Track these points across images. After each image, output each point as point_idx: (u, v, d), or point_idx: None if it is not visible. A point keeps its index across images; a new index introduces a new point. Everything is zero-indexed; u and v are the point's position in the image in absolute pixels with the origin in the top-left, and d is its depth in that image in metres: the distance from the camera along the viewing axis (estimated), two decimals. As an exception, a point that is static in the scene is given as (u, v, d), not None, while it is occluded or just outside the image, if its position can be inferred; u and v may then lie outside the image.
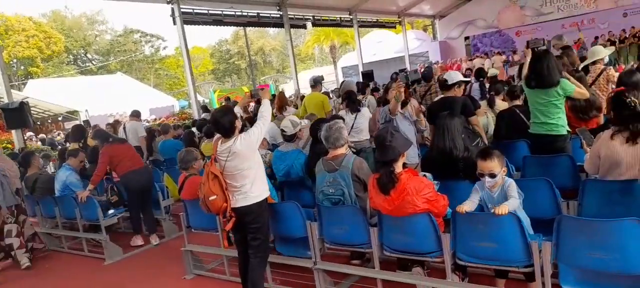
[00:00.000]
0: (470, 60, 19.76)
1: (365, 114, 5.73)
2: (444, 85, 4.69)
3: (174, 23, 12.38)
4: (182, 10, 12.33)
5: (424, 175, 3.13)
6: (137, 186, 5.66)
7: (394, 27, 22.59)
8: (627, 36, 16.93)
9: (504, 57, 19.02)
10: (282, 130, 4.49)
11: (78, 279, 5.22)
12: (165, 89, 41.58)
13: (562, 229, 2.50)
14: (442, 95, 4.79)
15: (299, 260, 3.74)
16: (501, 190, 2.87)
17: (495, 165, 2.81)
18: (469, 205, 2.87)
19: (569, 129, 4.06)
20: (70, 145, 7.37)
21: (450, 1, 22.12)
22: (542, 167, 3.77)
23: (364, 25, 21.01)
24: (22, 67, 40.11)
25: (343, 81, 7.99)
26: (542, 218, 2.93)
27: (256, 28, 41.71)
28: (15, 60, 38.73)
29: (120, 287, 4.82)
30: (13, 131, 9.22)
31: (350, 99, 5.78)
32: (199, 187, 3.49)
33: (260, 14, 15.75)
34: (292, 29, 16.66)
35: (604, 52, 5.51)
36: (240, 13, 15.14)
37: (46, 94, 23.37)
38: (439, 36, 24.56)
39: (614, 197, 2.92)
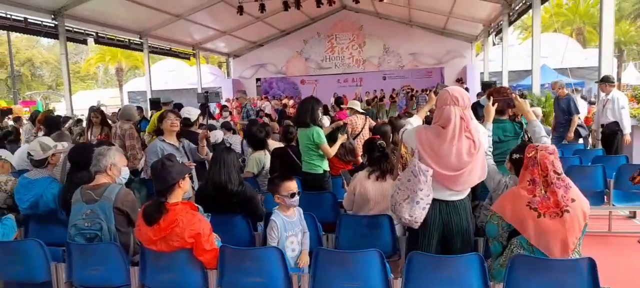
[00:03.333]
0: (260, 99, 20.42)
1: None
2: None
3: None
4: None
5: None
6: None
7: (188, 59, 22.16)
8: (377, 96, 19.97)
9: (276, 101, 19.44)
10: (29, 154, 3.76)
11: None
12: None
13: (319, 260, 2.67)
14: None
15: (39, 310, 3.09)
16: (300, 216, 3.13)
17: (295, 185, 3.06)
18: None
19: (328, 168, 4.56)
20: None
21: (244, 43, 22.89)
22: (310, 202, 4.03)
23: (155, 51, 20.01)
24: None
25: (125, 105, 7.31)
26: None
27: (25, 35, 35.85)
28: None
29: None
30: None
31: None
32: None
33: (29, 20, 13.40)
34: (70, 43, 14.69)
35: (358, 105, 6.96)
36: (2, 14, 12.61)
37: None
38: (232, 74, 25.12)
39: (364, 230, 3.29)
